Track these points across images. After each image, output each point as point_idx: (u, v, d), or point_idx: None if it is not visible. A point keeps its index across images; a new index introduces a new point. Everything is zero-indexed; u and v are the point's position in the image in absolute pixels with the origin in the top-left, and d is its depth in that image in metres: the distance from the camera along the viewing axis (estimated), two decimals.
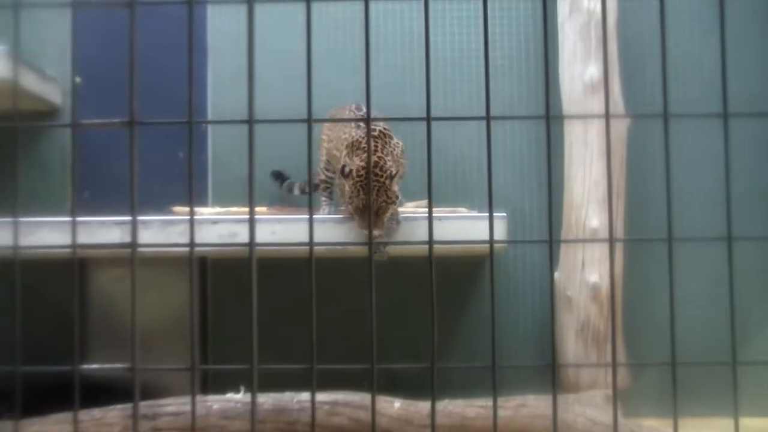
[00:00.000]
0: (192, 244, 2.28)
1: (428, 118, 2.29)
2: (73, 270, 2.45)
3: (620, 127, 6.80)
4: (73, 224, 2.39)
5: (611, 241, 2.60)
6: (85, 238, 6.23)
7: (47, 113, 7.98)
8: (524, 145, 7.36)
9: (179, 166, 7.63)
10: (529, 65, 7.40)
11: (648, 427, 5.14)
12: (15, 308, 2.29)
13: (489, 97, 2.37)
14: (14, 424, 2.62)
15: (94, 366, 2.14)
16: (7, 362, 2.34)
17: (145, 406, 5.46)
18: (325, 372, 2.29)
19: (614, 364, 2.39)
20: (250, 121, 2.24)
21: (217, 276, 7.47)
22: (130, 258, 2.16)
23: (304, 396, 5.31)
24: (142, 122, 2.25)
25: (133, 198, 2.24)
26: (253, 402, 2.27)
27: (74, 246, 2.34)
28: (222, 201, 7.22)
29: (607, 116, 2.43)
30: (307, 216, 2.37)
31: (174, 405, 5.42)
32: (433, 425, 2.25)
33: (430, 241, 2.29)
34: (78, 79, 8.04)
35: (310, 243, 2.26)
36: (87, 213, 7.65)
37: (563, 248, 6.99)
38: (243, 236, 6.06)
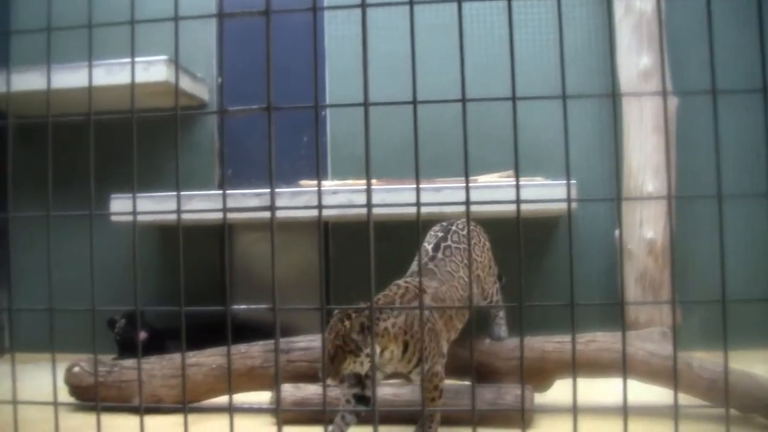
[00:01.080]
0: (320, 206, 2.28)
1: (513, 98, 2.26)
2: (222, 232, 2.47)
3: (670, 107, 6.84)
4: (224, 196, 2.40)
5: (669, 198, 2.53)
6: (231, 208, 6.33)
7: (197, 108, 8.14)
8: (588, 124, 7.35)
9: (304, 148, 7.72)
10: (590, 57, 7.41)
11: (698, 357, 5.04)
12: (179, 264, 2.32)
13: (564, 81, 2.32)
14: (181, 356, 2.66)
15: (243, 306, 2.15)
16: (174, 306, 2.38)
17: (281, 342, 5.52)
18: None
19: (674, 301, 2.32)
20: (366, 104, 2.22)
21: (337, 237, 7.56)
22: (267, 223, 2.16)
23: None
24: (277, 107, 2.25)
25: (271, 170, 2.24)
26: (372, 337, 2.26)
27: (224, 210, 2.36)
28: (339, 175, 7.30)
29: (664, 93, 2.37)
30: (409, 186, 2.34)
31: (304, 341, 5.48)
32: (521, 357, 2.22)
33: (518, 201, 2.26)
34: (220, 79, 8.17)
35: (417, 203, 2.23)
36: (231, 187, 7.82)
37: (624, 209, 6.97)
38: (359, 203, 6.09)
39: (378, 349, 4.15)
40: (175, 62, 2.37)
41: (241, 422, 2.32)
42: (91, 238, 2.47)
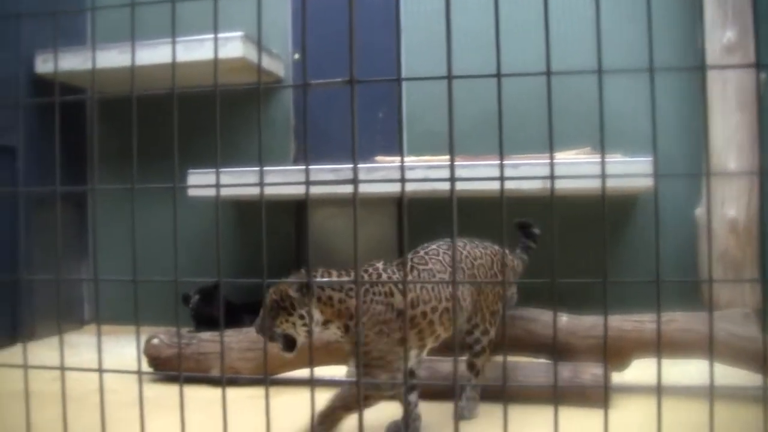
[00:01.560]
0: (402, 179, 2.27)
1: (600, 71, 2.21)
2: (298, 208, 2.48)
3: (754, 83, 6.68)
4: (307, 171, 2.41)
5: (761, 174, 2.46)
6: (302, 184, 6.36)
7: (273, 84, 8.22)
8: (666, 100, 7.20)
9: (379, 124, 7.72)
10: (673, 31, 7.25)
11: None
12: (255, 239, 2.34)
13: (652, 53, 2.27)
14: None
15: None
16: (256, 278, 2.40)
17: None
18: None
19: (764, 281, 2.26)
20: (449, 77, 2.20)
21: (411, 213, 7.56)
22: (341, 199, 2.17)
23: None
24: (360, 80, 2.25)
25: (354, 143, 2.24)
26: (455, 309, 2.26)
27: (307, 183, 2.37)
28: (415, 151, 7.28)
29: (757, 65, 2.30)
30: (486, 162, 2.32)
31: None
32: (605, 335, 2.19)
33: (603, 176, 2.22)
34: (296, 56, 8.21)
35: (501, 177, 2.21)
36: (305, 163, 7.85)
37: (706, 187, 6.82)
38: (432, 180, 6.07)
39: (318, 315, 4.01)
40: (258, 38, 2.37)
41: (318, 396, 2.34)
42: (175, 211, 2.51)
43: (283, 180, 6.31)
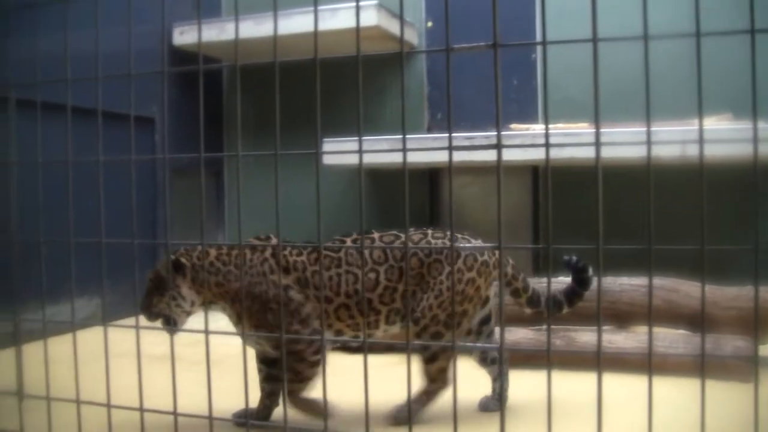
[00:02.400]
0: (547, 144, 2.24)
1: (697, 33, 2.13)
2: (431, 176, 2.46)
3: None
4: (450, 139, 2.42)
5: None
6: (436, 153, 6.37)
7: (405, 54, 8.22)
8: None
9: (514, 92, 7.65)
10: None
11: None
12: (387, 207, 2.35)
13: None
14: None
15: (468, 245, 2.15)
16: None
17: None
18: (642, 257, 2.18)
19: None
20: (594, 40, 2.16)
21: (545, 180, 7.50)
22: (474, 168, 2.15)
23: (624, 279, 5.20)
24: (503, 44, 2.23)
25: (498, 109, 2.22)
26: (599, 282, 2.22)
27: (450, 148, 2.36)
28: (550, 119, 7.17)
29: None
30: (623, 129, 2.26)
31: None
32: (756, 307, 2.11)
33: (755, 140, 2.14)
34: (429, 24, 8.20)
35: (648, 142, 2.15)
36: (439, 131, 7.88)
37: None
38: (569, 148, 5.98)
39: (194, 296, 4.06)
40: (400, 4, 2.37)
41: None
42: (318, 176, 2.54)
43: (417, 147, 6.32)
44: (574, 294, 4.34)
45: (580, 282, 4.30)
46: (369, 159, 6.63)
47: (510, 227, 7.45)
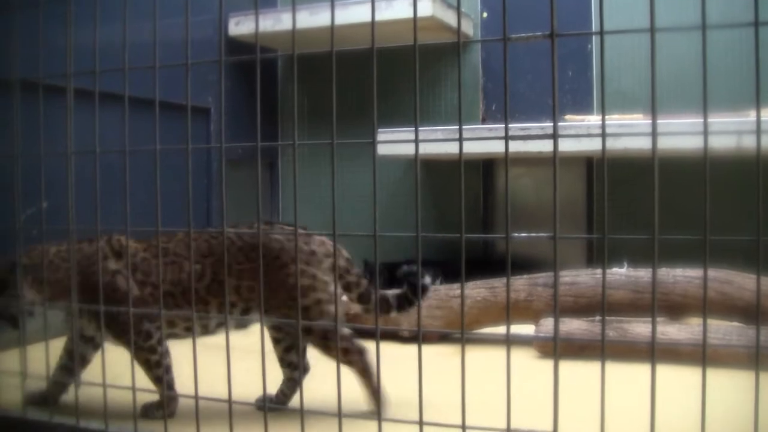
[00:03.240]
0: (603, 133, 2.24)
1: (756, 23, 2.11)
2: (485, 167, 2.47)
3: None
4: (506, 128, 2.43)
5: None
6: (490, 143, 6.37)
7: (461, 44, 8.24)
8: None
9: (569, 82, 7.61)
10: None
11: None
12: (442, 196, 2.37)
13: None
14: (460, 285, 2.72)
15: (523, 234, 2.17)
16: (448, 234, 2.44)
17: (544, 276, 5.54)
18: (696, 249, 2.17)
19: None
20: (652, 30, 2.16)
21: (600, 172, 7.47)
22: (528, 158, 2.16)
23: (678, 271, 5.15)
24: (561, 34, 2.23)
25: (554, 98, 2.24)
26: (654, 273, 2.23)
27: (506, 137, 2.38)
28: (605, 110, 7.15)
29: None
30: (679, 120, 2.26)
31: (569, 276, 5.47)
32: None
33: None
34: (485, 14, 8.18)
35: (705, 132, 2.15)
36: (494, 122, 7.87)
37: None
38: (623, 139, 5.94)
39: (33, 295, 3.93)
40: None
41: (505, 354, 2.36)
42: (374, 165, 2.57)
43: (471, 140, 6.32)
44: (405, 300, 4.27)
45: (413, 290, 4.20)
46: (423, 149, 6.64)
47: (564, 218, 7.40)
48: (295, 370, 4.24)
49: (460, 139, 2.41)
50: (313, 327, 3.96)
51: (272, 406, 3.86)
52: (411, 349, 5.34)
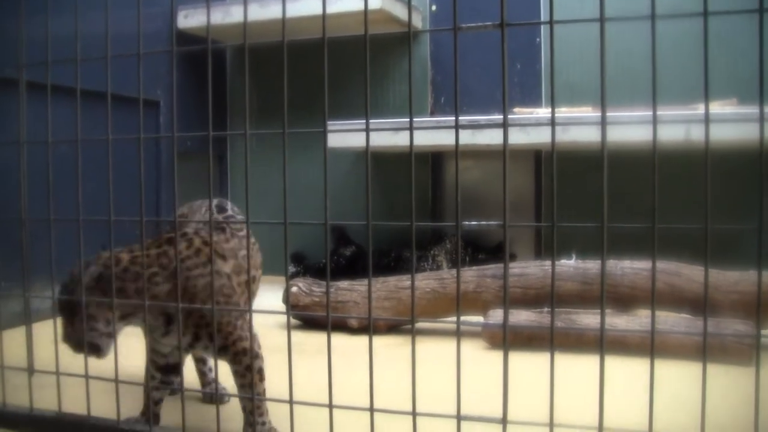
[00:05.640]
0: (553, 123, 2.25)
1: (705, 12, 2.14)
2: (434, 160, 2.46)
3: None
4: (456, 118, 2.43)
5: None
6: (439, 136, 6.39)
7: (412, 34, 8.27)
8: None
9: (517, 75, 7.64)
10: None
11: None
12: (390, 188, 2.37)
13: None
14: (411, 274, 2.71)
15: (474, 222, 2.17)
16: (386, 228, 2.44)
17: (493, 268, 5.57)
18: (644, 241, 2.20)
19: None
20: (602, 19, 2.18)
21: (548, 165, 7.53)
22: (476, 152, 2.16)
23: (626, 263, 5.21)
24: (510, 24, 2.24)
25: (504, 89, 2.24)
26: (603, 264, 2.24)
27: (457, 127, 2.38)
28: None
29: None
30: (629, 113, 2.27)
31: (518, 268, 5.51)
32: (759, 291, 2.13)
33: (762, 120, 2.15)
34: (434, 7, 8.19)
35: (654, 122, 2.17)
36: (442, 114, 7.89)
37: None
38: (572, 132, 5.99)
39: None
40: None
41: (454, 345, 2.37)
42: (325, 153, 2.57)
43: (421, 132, 6.33)
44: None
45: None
46: (373, 142, 6.63)
47: (513, 211, 7.46)
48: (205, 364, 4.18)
49: (411, 129, 2.41)
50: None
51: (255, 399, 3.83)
52: (359, 340, 5.36)
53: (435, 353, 4.02)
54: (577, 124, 5.90)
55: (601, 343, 2.22)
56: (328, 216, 2.60)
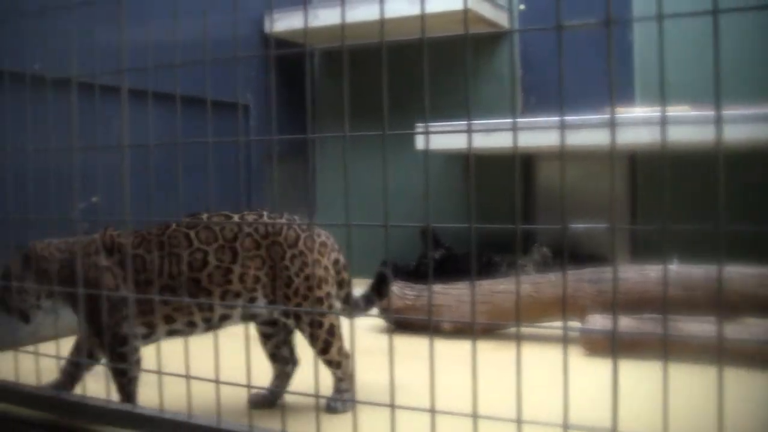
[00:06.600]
0: (664, 121, 2.19)
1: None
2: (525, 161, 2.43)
3: None
4: (562, 117, 2.39)
5: None
6: (532, 137, 6.31)
7: (497, 36, 8.21)
8: None
9: (607, 74, 7.51)
10: None
11: None
12: (480, 191, 2.33)
13: None
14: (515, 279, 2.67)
15: (581, 225, 2.12)
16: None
17: (590, 272, 5.46)
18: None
19: None
20: (715, 11, 2.10)
21: (644, 166, 7.39)
22: (570, 152, 2.11)
23: (732, 268, 5.04)
24: (618, 20, 2.19)
25: (612, 88, 2.19)
26: (720, 270, 2.17)
27: (562, 127, 2.33)
28: (648, 102, 7.07)
29: None
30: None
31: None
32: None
33: None
34: (522, 6, 8.12)
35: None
36: (533, 115, 7.80)
37: None
38: (671, 130, 5.85)
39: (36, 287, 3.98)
40: None
41: (551, 350, 2.31)
42: (384, 158, 2.54)
43: (510, 134, 6.26)
44: (370, 300, 4.27)
45: (380, 293, 4.26)
46: (463, 144, 6.59)
47: (606, 214, 7.38)
48: (287, 364, 4.24)
49: (515, 129, 2.37)
50: (302, 316, 3.92)
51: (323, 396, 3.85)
52: (452, 343, 5.31)
53: (531, 358, 3.95)
54: (683, 124, 5.75)
55: (719, 354, 2.14)
56: (426, 218, 2.57)
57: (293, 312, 3.91)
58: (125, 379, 3.76)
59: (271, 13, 7.75)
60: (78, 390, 3.76)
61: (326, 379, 3.13)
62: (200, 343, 3.46)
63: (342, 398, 3.98)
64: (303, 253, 3.88)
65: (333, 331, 3.94)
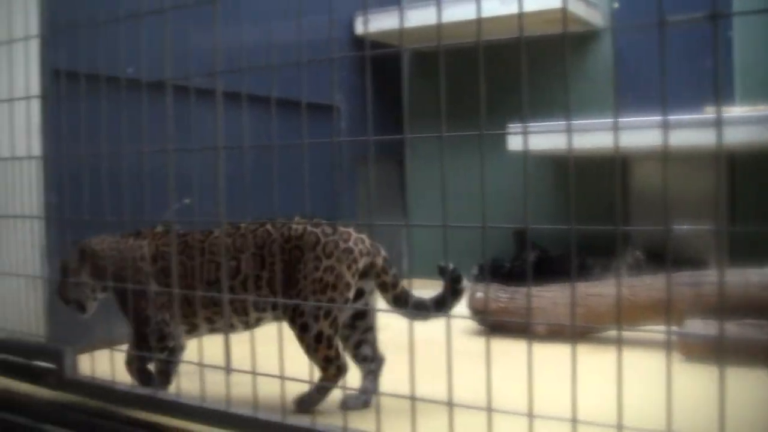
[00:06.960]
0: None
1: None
2: (626, 162, 2.38)
3: None
4: (664, 116, 2.34)
5: None
6: (627, 137, 6.20)
7: (590, 35, 8.12)
8: None
9: (707, 72, 7.35)
10: None
11: None
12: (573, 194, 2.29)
13: None
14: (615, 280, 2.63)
15: (685, 227, 2.08)
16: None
17: (688, 275, 5.35)
18: None
19: None
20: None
21: (745, 167, 7.20)
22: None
23: None
24: (724, 14, 2.13)
25: (717, 86, 2.13)
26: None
27: (665, 126, 2.29)
28: (749, 101, 6.88)
29: None
30: None
31: (715, 276, 5.27)
32: None
33: None
34: (615, 4, 8.00)
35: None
36: (630, 115, 7.66)
37: None
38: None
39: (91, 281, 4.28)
40: None
41: (646, 355, 2.26)
42: (481, 157, 2.52)
43: (604, 134, 6.18)
44: (443, 303, 4.09)
45: (453, 291, 4.07)
46: (556, 145, 6.52)
47: (703, 214, 7.22)
48: (370, 362, 4.30)
49: (615, 129, 2.33)
50: (295, 320, 4.04)
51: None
52: (546, 347, 5.25)
53: (627, 363, 3.88)
54: None
55: None
56: (525, 220, 2.55)
57: (290, 313, 4.04)
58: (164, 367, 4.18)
59: (366, 13, 7.79)
60: (172, 389, 3.88)
61: (420, 378, 3.11)
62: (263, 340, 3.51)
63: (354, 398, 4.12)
64: (318, 257, 4.01)
65: (320, 338, 4.01)
